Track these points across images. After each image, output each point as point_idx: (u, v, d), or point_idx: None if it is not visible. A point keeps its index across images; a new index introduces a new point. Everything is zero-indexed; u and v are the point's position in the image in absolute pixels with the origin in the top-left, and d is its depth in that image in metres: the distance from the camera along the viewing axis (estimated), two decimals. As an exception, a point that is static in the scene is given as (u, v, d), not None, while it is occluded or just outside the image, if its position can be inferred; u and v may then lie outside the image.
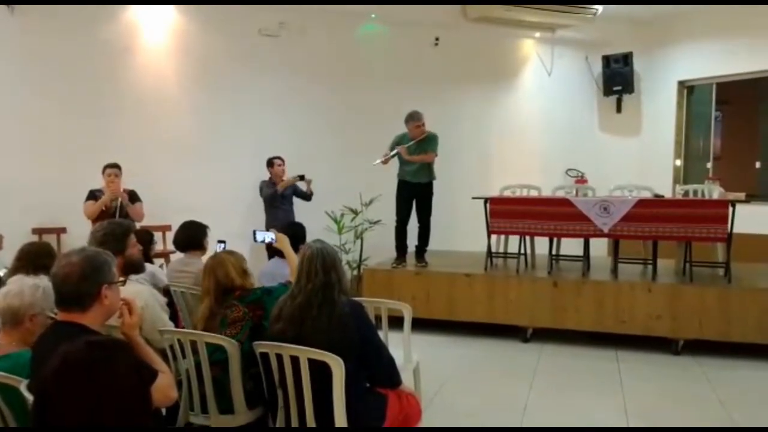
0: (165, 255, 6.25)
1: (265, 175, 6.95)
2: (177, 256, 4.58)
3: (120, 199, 5.52)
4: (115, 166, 5.68)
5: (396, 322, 3.69)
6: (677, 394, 4.50)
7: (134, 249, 3.22)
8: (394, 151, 6.12)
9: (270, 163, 6.97)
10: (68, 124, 6.39)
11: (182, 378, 2.94)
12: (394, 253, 6.49)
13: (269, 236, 3.78)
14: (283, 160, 6.97)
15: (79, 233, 5.59)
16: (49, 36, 6.30)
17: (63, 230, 6.30)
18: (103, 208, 5.54)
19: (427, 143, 6.14)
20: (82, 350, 1.61)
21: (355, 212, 7.24)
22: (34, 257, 3.15)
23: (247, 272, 3.15)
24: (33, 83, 6.28)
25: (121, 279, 2.32)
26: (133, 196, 5.73)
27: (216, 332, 2.89)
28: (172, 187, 6.57)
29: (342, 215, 7.25)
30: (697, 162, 9.02)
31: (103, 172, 5.61)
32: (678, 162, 8.92)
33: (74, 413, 1.52)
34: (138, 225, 5.11)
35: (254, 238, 3.81)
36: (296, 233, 4.20)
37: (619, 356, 5.36)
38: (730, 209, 5.38)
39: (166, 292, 3.68)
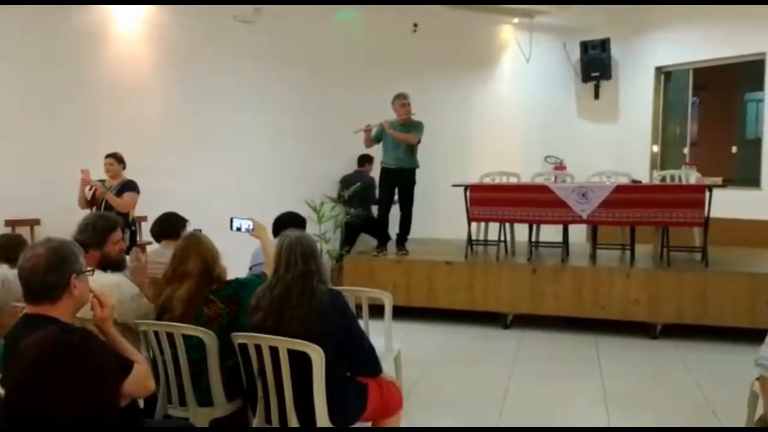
0: (141, 246, 6.16)
1: (244, 164, 6.89)
2: (153, 248, 4.51)
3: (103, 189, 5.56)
4: (111, 155, 5.76)
5: (377, 311, 3.68)
6: (655, 378, 4.56)
7: (116, 246, 3.13)
8: (378, 123, 6.11)
9: (370, 160, 7.47)
10: (41, 114, 6.24)
11: (159, 370, 2.90)
12: (374, 242, 6.47)
13: (246, 224, 3.44)
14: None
15: (53, 225, 5.50)
16: (20, 25, 6.13)
17: (37, 222, 6.18)
18: (89, 198, 5.62)
19: (412, 126, 6.14)
20: (59, 335, 1.61)
21: (335, 201, 7.19)
22: (7, 249, 3.07)
23: (220, 256, 3.05)
24: (4, 73, 6.12)
25: (89, 269, 2.27)
26: (126, 187, 5.72)
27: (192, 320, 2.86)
28: (148, 176, 6.46)
29: (322, 204, 7.19)
30: (674, 147, 9.10)
31: None
32: (655, 148, 8.99)
33: (56, 398, 1.51)
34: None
35: (230, 225, 3.49)
36: (299, 221, 4.07)
37: (597, 341, 5.41)
38: (707, 194, 5.44)
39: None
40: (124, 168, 5.84)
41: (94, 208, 5.61)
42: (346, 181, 7.35)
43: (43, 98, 6.25)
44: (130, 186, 5.75)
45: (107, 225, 3.13)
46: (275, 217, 4.08)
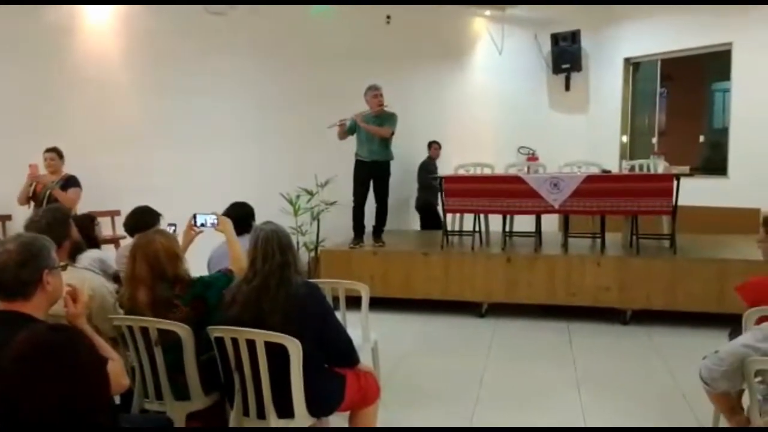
0: (114, 240, 6.09)
1: (219, 157, 6.86)
2: (126, 242, 4.47)
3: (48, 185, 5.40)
4: (52, 150, 5.60)
5: (354, 302, 3.70)
6: (626, 363, 4.66)
7: (74, 231, 3.20)
8: (350, 117, 6.12)
9: (429, 145, 8.06)
10: (10, 109, 6.12)
11: (134, 365, 2.89)
12: (350, 234, 6.49)
13: (211, 219, 3.38)
14: (440, 144, 8.09)
15: (25, 221, 5.41)
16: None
17: (8, 218, 6.07)
18: (30, 194, 5.48)
19: (385, 119, 6.16)
20: (46, 334, 1.60)
21: (311, 193, 7.18)
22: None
23: (178, 256, 2.91)
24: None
25: (62, 264, 2.26)
26: (70, 182, 5.59)
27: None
28: (120, 171, 6.39)
29: (297, 196, 7.18)
30: (643, 137, 9.28)
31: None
32: (624, 138, 9.15)
33: (42, 397, 1.51)
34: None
35: (194, 221, 3.43)
36: (247, 213, 3.99)
37: (570, 328, 5.51)
38: (675, 183, 5.55)
39: (115, 278, 3.59)
40: (63, 163, 5.72)
41: (32, 204, 5.50)
42: (421, 169, 7.51)
43: (12, 93, 6.13)
44: (74, 181, 5.63)
45: (64, 215, 3.16)
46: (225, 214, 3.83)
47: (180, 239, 3.30)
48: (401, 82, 8.03)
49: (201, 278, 2.98)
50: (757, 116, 7.48)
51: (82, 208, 5.51)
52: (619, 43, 8.95)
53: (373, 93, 6.11)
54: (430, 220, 7.45)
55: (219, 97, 7.20)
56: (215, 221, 3.36)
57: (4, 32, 6.07)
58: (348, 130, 6.25)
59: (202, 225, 3.41)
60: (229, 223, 3.37)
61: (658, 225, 6.27)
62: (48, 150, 5.63)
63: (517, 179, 6.00)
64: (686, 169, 6.25)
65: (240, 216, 3.79)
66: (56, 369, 1.52)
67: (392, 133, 6.21)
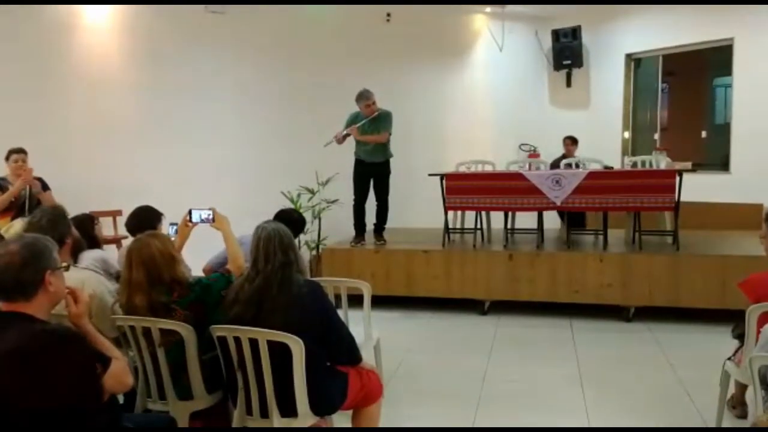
0: (116, 240, 6.09)
1: (221, 156, 6.86)
2: (128, 242, 4.46)
3: (29, 187, 5.17)
4: (22, 151, 5.35)
5: (356, 300, 3.70)
6: (629, 359, 4.65)
7: (73, 229, 3.23)
8: (345, 131, 6.10)
9: (564, 141, 8.02)
10: (9, 107, 6.12)
11: (137, 365, 2.88)
12: (352, 232, 6.49)
13: (206, 214, 3.23)
14: (573, 140, 7.94)
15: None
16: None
17: (7, 219, 6.07)
18: (13, 199, 5.17)
19: (380, 121, 6.12)
20: (32, 339, 1.58)
21: (312, 192, 7.18)
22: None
23: (175, 259, 2.85)
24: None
25: (64, 264, 2.25)
26: (44, 185, 5.44)
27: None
28: (121, 170, 6.40)
29: (299, 195, 7.19)
30: (645, 133, 9.25)
31: (7, 158, 5.23)
32: (626, 134, 9.13)
33: (22, 400, 1.49)
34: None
35: (189, 217, 3.33)
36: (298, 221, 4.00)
37: (573, 325, 5.50)
38: (677, 179, 5.53)
39: (117, 278, 3.58)
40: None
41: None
42: (553, 166, 7.38)
43: (12, 89, 6.13)
44: (46, 184, 5.46)
45: (62, 212, 3.19)
46: (277, 211, 4.03)
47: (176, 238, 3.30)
48: (402, 80, 8.03)
49: (200, 280, 2.94)
50: (759, 111, 7.46)
51: (81, 208, 5.49)
52: (621, 39, 8.93)
53: (365, 103, 6.05)
54: (575, 217, 7.13)
55: (220, 95, 7.21)
56: (210, 216, 3.25)
57: (2, 31, 6.06)
58: (345, 135, 6.21)
59: (198, 220, 3.31)
60: (226, 220, 3.29)
61: (660, 221, 6.25)
62: (16, 151, 5.33)
63: (518, 176, 5.99)
64: (688, 164, 6.23)
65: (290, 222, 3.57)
66: (35, 374, 1.51)
67: (390, 134, 6.18)
